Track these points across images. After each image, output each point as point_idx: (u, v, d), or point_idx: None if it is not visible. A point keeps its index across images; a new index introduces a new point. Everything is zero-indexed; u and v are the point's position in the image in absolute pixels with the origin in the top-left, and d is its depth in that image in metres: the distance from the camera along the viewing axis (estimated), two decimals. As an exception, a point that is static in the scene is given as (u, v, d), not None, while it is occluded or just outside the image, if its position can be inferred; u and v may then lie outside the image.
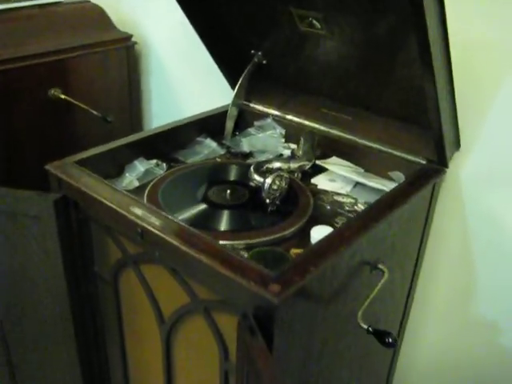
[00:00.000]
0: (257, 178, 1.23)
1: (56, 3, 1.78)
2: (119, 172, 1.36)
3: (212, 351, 1.13)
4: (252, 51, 1.51)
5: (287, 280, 0.91)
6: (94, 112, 1.73)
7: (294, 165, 1.32)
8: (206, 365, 1.19)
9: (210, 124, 1.56)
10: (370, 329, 1.04)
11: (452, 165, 1.32)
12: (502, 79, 1.24)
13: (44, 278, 1.34)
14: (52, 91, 1.70)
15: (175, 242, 1.00)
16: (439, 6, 1.03)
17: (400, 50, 1.23)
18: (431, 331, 1.52)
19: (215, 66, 1.63)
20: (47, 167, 1.25)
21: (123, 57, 1.88)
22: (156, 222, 1.05)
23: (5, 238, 1.30)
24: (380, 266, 1.14)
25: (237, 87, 1.55)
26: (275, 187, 1.18)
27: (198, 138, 1.52)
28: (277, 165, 1.29)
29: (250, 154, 1.49)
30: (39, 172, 1.64)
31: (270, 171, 1.22)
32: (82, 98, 1.75)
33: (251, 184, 1.28)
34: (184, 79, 1.95)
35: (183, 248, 0.99)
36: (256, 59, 1.51)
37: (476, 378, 1.48)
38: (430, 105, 1.15)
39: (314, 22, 1.29)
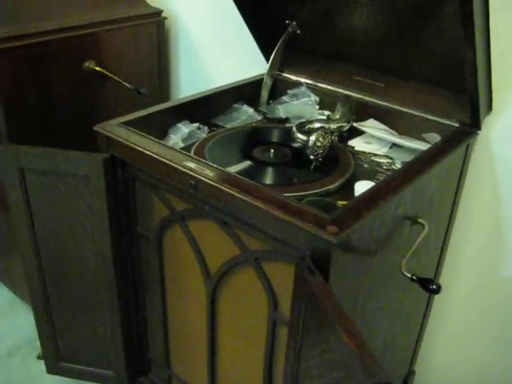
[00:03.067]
0: (300, 136, 1.28)
1: (91, -21, 1.82)
2: (160, 135, 1.40)
3: (258, 303, 1.18)
4: (287, 21, 1.55)
5: (343, 222, 0.95)
6: (127, 84, 1.77)
7: (333, 125, 1.36)
8: (252, 317, 1.23)
9: (244, 93, 1.60)
10: (414, 277, 1.08)
11: (482, 127, 1.36)
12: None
13: (89, 238, 1.38)
14: (87, 63, 1.74)
15: (231, 191, 1.05)
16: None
17: (435, 15, 1.28)
18: (461, 290, 1.57)
19: (243, 41, 1.68)
20: (96, 128, 1.28)
21: (153, 31, 1.92)
22: (210, 173, 1.10)
23: (54, 199, 1.35)
24: (420, 221, 1.19)
25: (272, 57, 1.59)
26: (319, 144, 1.22)
27: (235, 105, 1.56)
28: (317, 125, 1.34)
29: (286, 120, 1.53)
30: (73, 137, 1.73)
31: (313, 130, 1.26)
32: (113, 71, 1.79)
33: (293, 144, 1.33)
34: (212, 54, 1.99)
35: (239, 196, 1.03)
36: (290, 29, 1.55)
37: (503, 332, 1.53)
38: (467, 69, 1.20)
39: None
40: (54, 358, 1.64)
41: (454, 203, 1.42)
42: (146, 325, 1.56)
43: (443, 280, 1.57)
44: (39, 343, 1.64)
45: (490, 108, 1.37)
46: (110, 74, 1.76)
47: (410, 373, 1.71)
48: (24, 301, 2.10)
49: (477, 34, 1.12)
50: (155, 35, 1.93)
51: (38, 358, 1.79)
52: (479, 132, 1.34)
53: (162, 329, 1.49)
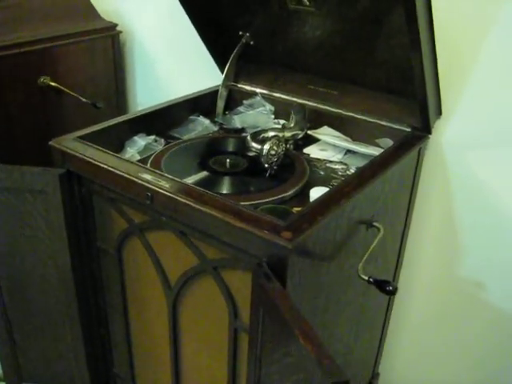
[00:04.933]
0: (254, 145, 1.29)
1: (44, -7, 1.82)
2: (117, 149, 1.40)
3: (219, 312, 1.19)
4: (240, 32, 1.57)
5: (297, 228, 0.97)
6: (83, 99, 1.77)
7: (287, 133, 1.38)
8: (214, 326, 1.24)
9: (200, 104, 1.62)
10: (371, 279, 1.10)
11: (433, 132, 1.40)
12: (480, 49, 1.33)
13: (48, 254, 1.37)
14: (42, 79, 1.73)
15: (187, 201, 1.05)
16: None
17: (383, 23, 1.31)
18: (419, 291, 1.61)
19: (198, 53, 1.69)
20: (51, 143, 1.28)
21: (109, 45, 1.92)
22: (166, 184, 1.10)
23: (10, 215, 1.33)
24: (375, 224, 1.21)
25: (226, 69, 1.61)
26: (273, 152, 1.24)
27: (191, 117, 1.57)
28: (272, 134, 1.35)
29: (242, 130, 1.55)
30: (29, 153, 1.70)
31: (267, 139, 1.28)
32: (69, 86, 1.79)
33: (248, 154, 1.34)
34: (167, 66, 2.01)
35: (195, 206, 1.04)
36: (244, 40, 1.57)
37: (461, 329, 1.58)
38: (415, 74, 1.23)
39: (304, -2, 1.36)
40: (15, 377, 1.61)
41: (409, 206, 1.45)
42: (109, 339, 1.55)
43: (402, 282, 1.60)
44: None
45: (439, 112, 1.41)
46: (65, 89, 1.76)
47: (375, 375, 1.73)
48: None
49: (422, 40, 1.15)
50: (110, 49, 1.94)
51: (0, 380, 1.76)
52: (430, 136, 1.38)
53: (125, 343, 1.49)
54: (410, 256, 1.57)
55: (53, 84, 1.75)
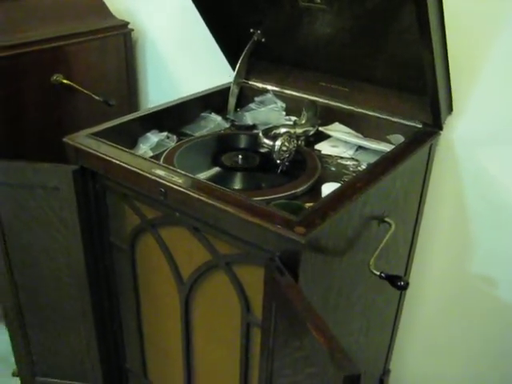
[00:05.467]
0: (266, 141, 1.30)
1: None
2: (130, 145, 1.41)
3: (232, 307, 1.19)
4: (251, 30, 1.57)
5: (310, 223, 0.98)
6: (96, 97, 1.78)
7: (299, 130, 1.39)
8: (226, 321, 1.25)
9: (211, 101, 1.63)
10: (383, 274, 1.11)
11: (445, 128, 1.40)
12: (491, 45, 1.33)
13: (62, 250, 1.38)
14: (55, 77, 1.75)
15: (200, 197, 1.06)
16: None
17: (394, 19, 1.31)
18: (431, 286, 1.61)
19: (210, 50, 1.70)
20: (65, 139, 1.29)
21: (121, 43, 1.94)
22: (179, 180, 1.11)
23: (24, 212, 1.35)
24: (387, 220, 1.22)
25: (238, 66, 1.62)
26: (285, 148, 1.25)
27: (203, 114, 1.59)
28: (283, 130, 1.36)
29: (253, 127, 1.56)
30: (42, 150, 1.73)
31: (278, 135, 1.28)
32: (82, 83, 1.81)
33: (260, 150, 1.36)
34: (179, 64, 2.02)
35: (208, 201, 1.05)
36: (255, 38, 1.58)
37: (473, 326, 1.58)
38: (426, 71, 1.23)
39: (315, -5, 1.37)
40: (29, 373, 1.63)
41: (421, 202, 1.46)
42: (122, 335, 1.56)
43: (413, 277, 1.60)
44: (14, 360, 1.63)
45: (450, 109, 1.41)
46: (78, 87, 1.78)
47: (386, 371, 1.73)
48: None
49: (433, 36, 1.15)
50: (122, 47, 1.95)
51: (13, 375, 1.77)
52: (441, 132, 1.38)
53: (137, 338, 1.50)
54: (421, 251, 1.57)
55: (65, 82, 1.77)
